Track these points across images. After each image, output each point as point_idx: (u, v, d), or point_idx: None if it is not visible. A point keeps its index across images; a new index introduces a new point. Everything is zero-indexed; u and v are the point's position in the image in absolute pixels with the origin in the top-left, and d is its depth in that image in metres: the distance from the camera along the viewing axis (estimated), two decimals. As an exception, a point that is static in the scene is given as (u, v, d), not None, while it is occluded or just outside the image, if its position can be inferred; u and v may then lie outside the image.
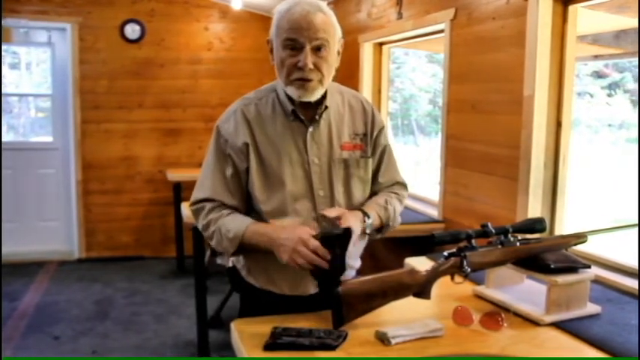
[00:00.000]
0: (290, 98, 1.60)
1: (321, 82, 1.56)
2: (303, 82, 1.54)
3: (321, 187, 1.62)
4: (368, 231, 1.63)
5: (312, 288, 1.66)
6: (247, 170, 1.61)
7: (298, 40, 1.50)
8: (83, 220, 5.37)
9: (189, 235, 4.16)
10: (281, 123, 1.62)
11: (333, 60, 1.58)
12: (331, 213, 1.53)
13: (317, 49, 1.52)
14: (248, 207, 1.65)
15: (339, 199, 1.64)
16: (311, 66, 1.51)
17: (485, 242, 1.57)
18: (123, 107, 5.34)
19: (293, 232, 1.48)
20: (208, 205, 1.62)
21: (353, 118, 1.70)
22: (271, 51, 1.60)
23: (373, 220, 1.63)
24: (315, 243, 1.45)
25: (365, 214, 1.62)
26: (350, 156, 1.66)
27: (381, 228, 1.69)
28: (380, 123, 1.74)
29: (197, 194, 1.65)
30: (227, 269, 1.82)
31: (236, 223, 1.56)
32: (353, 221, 1.53)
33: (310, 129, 1.62)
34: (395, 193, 1.76)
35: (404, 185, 1.81)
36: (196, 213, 1.65)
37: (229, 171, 1.61)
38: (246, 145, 1.59)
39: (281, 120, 1.62)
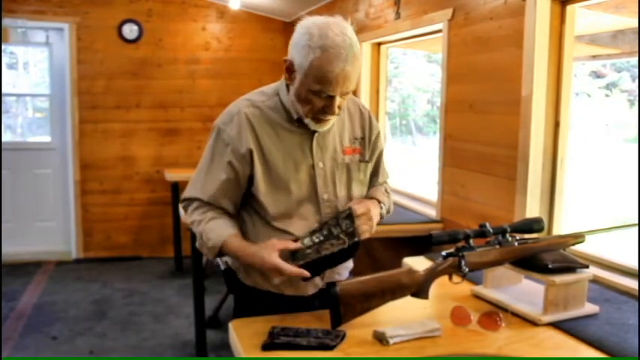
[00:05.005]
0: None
1: (338, 114, 1.57)
2: (324, 121, 1.55)
3: (325, 190, 1.62)
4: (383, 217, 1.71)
5: (310, 288, 1.66)
6: (250, 176, 1.59)
7: (330, 93, 1.49)
8: (81, 220, 5.36)
9: (187, 235, 4.16)
10: (286, 128, 1.60)
11: None
12: (359, 209, 1.57)
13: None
14: (241, 206, 1.65)
15: (341, 202, 1.64)
16: (337, 111, 1.52)
17: (483, 242, 1.58)
18: (121, 107, 5.34)
19: (262, 262, 1.50)
20: (195, 203, 1.63)
21: (352, 123, 1.71)
22: (288, 70, 1.54)
23: (385, 208, 1.72)
24: (288, 269, 1.48)
25: (379, 202, 1.69)
26: (351, 160, 1.67)
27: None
28: (377, 127, 1.76)
29: (188, 192, 1.66)
30: (223, 271, 1.82)
31: (215, 233, 1.56)
32: (375, 213, 1.62)
33: (316, 134, 1.61)
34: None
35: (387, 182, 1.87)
36: (184, 209, 1.67)
37: (223, 175, 1.58)
38: (250, 151, 1.57)
39: (286, 125, 1.60)
